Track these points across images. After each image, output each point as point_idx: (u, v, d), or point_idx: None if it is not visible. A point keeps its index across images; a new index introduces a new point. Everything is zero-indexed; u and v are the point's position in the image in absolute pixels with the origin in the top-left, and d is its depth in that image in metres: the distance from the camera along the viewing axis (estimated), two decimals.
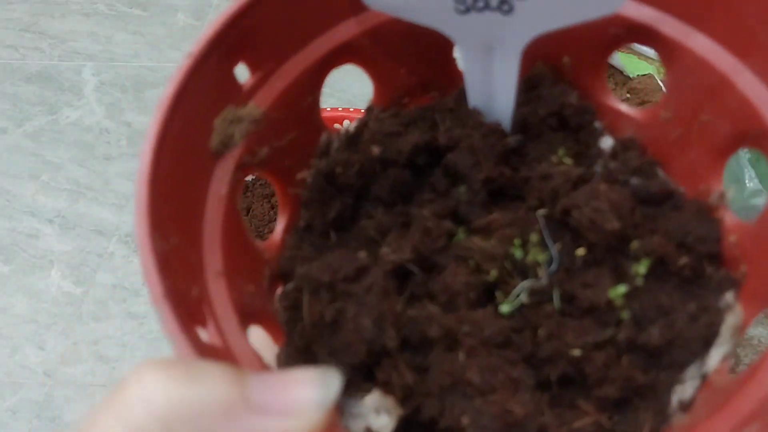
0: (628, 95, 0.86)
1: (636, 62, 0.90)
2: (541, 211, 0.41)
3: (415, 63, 0.45)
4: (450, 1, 0.38)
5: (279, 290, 0.41)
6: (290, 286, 0.39)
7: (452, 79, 0.46)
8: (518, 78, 0.41)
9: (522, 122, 0.44)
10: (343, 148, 0.44)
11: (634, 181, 0.43)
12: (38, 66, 1.13)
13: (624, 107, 0.44)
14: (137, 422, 0.24)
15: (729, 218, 0.40)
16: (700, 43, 0.39)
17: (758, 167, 0.69)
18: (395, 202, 0.43)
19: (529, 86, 0.44)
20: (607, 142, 0.44)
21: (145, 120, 0.94)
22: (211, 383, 0.25)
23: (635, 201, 0.41)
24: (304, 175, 0.42)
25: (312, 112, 0.43)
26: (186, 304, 0.31)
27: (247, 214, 0.92)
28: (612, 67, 0.82)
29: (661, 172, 0.43)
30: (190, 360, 0.28)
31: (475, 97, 0.43)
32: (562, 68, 0.45)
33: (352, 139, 0.44)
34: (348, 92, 1.01)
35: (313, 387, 0.26)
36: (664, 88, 0.68)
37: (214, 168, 0.38)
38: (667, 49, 0.40)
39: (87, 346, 0.72)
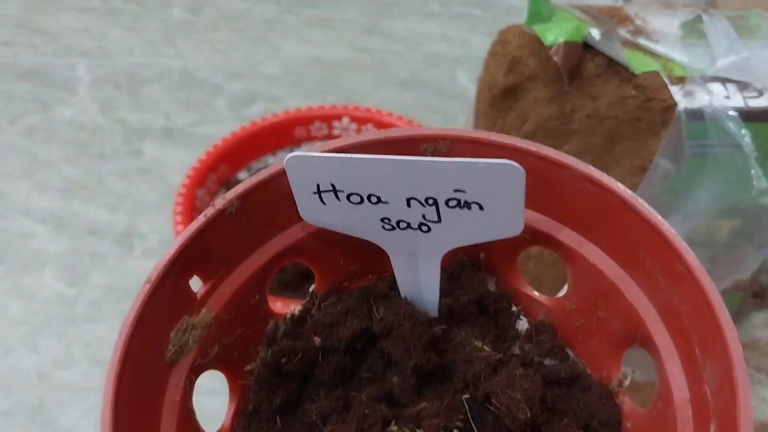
0: (633, 92, 0.77)
1: (641, 58, 0.82)
2: (466, 395, 0.46)
3: (351, 255, 0.50)
4: (378, 223, 0.44)
5: None
6: None
7: (386, 265, 0.52)
8: (439, 274, 0.47)
9: (447, 309, 0.49)
10: (288, 333, 0.49)
11: (548, 361, 0.49)
12: (31, 63, 1.12)
13: (536, 294, 0.50)
14: None
15: (627, 404, 0.45)
16: (593, 252, 0.45)
17: (765, 165, 0.67)
18: (336, 384, 0.48)
19: (451, 277, 0.50)
20: (522, 324, 0.50)
21: (140, 117, 0.95)
22: None
23: (547, 384, 0.46)
24: (252, 366, 0.47)
25: (259, 306, 0.48)
26: None
27: None
28: (616, 64, 0.76)
29: (571, 353, 0.49)
30: None
31: (405, 290, 0.49)
32: (479, 259, 0.51)
33: (297, 324, 0.50)
34: (346, 88, 1.03)
35: None
36: (669, 85, 0.69)
37: (169, 377, 0.42)
38: (566, 255, 0.46)
39: (80, 349, 0.71)
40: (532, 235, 0.47)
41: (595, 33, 0.77)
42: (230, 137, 1.01)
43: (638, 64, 0.81)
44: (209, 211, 0.44)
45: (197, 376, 0.44)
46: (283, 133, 1.06)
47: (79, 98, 1.06)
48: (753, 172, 0.66)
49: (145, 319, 0.40)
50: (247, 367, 0.47)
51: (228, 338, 0.46)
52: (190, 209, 0.78)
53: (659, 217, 0.41)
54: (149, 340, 0.41)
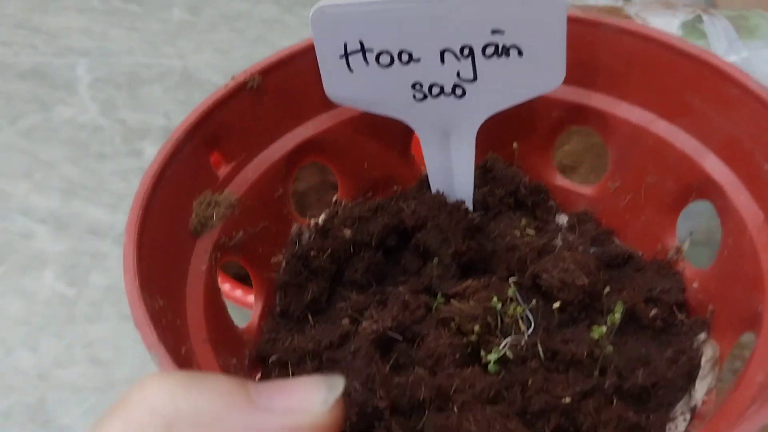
0: None
1: None
2: (513, 278, 0.42)
3: (377, 158, 0.48)
4: (408, 91, 0.42)
5: (258, 376, 0.40)
6: (273, 359, 0.38)
7: (411, 173, 0.49)
8: (474, 158, 0.45)
9: (482, 202, 0.46)
10: (314, 238, 0.46)
11: (593, 249, 0.45)
12: (31, 63, 1.09)
13: (573, 185, 0.48)
14: (140, 423, 0.23)
15: (688, 269, 0.42)
16: (635, 113, 0.43)
17: None
18: (369, 284, 0.44)
19: (484, 171, 0.47)
20: (562, 218, 0.47)
21: (140, 117, 0.92)
22: (214, 388, 0.24)
23: (599, 263, 0.43)
24: (278, 259, 0.43)
25: (283, 203, 0.45)
26: (177, 359, 0.31)
27: None
28: None
29: (617, 240, 0.46)
30: (192, 372, 0.27)
31: (436, 182, 0.46)
32: (512, 155, 0.48)
33: (323, 229, 0.46)
34: None
35: (317, 389, 0.26)
36: None
37: (194, 246, 0.38)
38: (606, 125, 0.44)
39: (81, 349, 0.66)
40: (568, 111, 0.45)
41: None
42: None
43: None
44: (230, 84, 0.41)
45: (222, 257, 0.40)
46: None
47: (79, 98, 1.05)
48: None
49: (167, 175, 0.37)
50: (274, 259, 0.43)
51: (253, 228, 0.42)
52: None
53: (705, 50, 0.40)
54: (172, 197, 0.37)
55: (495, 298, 0.39)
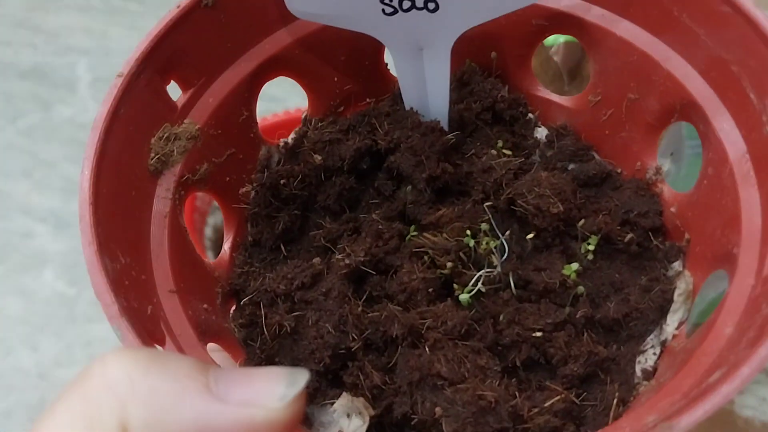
0: None
1: None
2: (487, 203, 0.41)
3: (346, 71, 0.45)
4: (377, 4, 0.39)
5: (233, 309, 0.40)
6: (246, 299, 0.38)
7: (384, 85, 0.47)
8: (449, 75, 0.42)
9: (458, 119, 0.44)
10: (283, 160, 0.44)
11: (572, 166, 0.44)
12: (31, 62, 1.08)
13: (553, 96, 0.46)
14: (96, 400, 0.23)
15: (667, 191, 0.41)
16: (621, 27, 0.40)
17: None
18: (342, 209, 0.43)
19: (460, 84, 0.45)
20: (541, 132, 0.45)
21: None
22: (173, 369, 0.24)
23: (576, 185, 0.42)
24: (247, 189, 0.42)
25: (248, 126, 0.43)
26: (142, 322, 0.30)
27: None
28: None
29: (596, 155, 0.44)
30: (154, 350, 0.27)
31: (410, 99, 0.44)
32: (490, 64, 0.46)
33: (292, 151, 0.44)
34: None
35: (277, 382, 0.25)
36: None
37: (155, 187, 0.37)
38: (590, 36, 0.42)
39: (81, 348, 0.68)
40: (550, 19, 0.42)
41: None
42: None
43: None
44: (183, 2, 0.38)
45: (187, 193, 0.38)
46: (282, 133, 1.03)
47: (79, 97, 1.03)
48: (685, 149, 0.64)
49: (120, 117, 0.35)
50: (243, 189, 0.42)
51: (217, 158, 0.40)
52: (190, 209, 0.76)
53: None
54: (127, 141, 0.35)
55: (468, 233, 0.39)
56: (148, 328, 0.31)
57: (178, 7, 0.38)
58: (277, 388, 0.25)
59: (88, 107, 1.00)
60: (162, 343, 0.32)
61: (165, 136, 0.37)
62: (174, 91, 0.39)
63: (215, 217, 0.81)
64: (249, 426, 0.24)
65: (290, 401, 0.25)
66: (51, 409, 0.23)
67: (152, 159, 0.37)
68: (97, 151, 0.33)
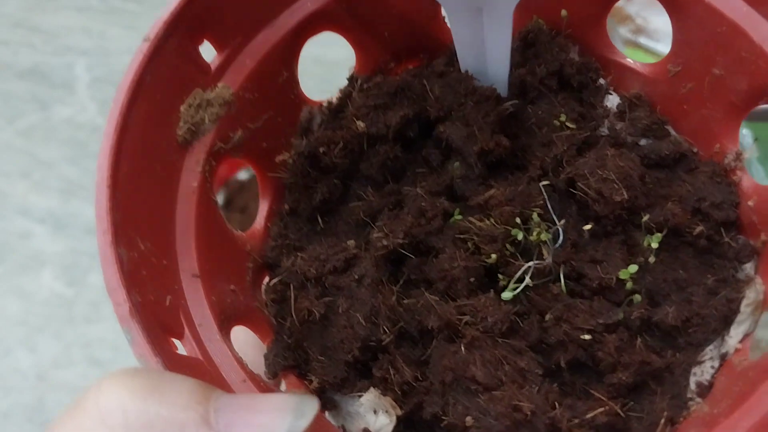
0: None
1: (642, 57, 0.87)
2: (544, 183, 0.37)
3: (398, 25, 0.41)
4: None
5: (266, 281, 0.38)
6: (276, 280, 0.36)
7: (441, 40, 0.43)
8: (511, 38, 0.38)
9: (519, 85, 0.40)
10: (325, 123, 0.41)
11: (644, 141, 0.40)
12: (30, 62, 1.10)
13: (629, 61, 0.41)
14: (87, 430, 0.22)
15: (746, 181, 0.37)
16: None
17: (767, 165, 0.68)
18: (386, 180, 0.40)
19: (525, 44, 0.41)
20: (613, 101, 0.41)
21: None
22: (173, 399, 0.23)
23: (645, 166, 0.38)
24: (285, 157, 0.39)
25: (289, 87, 0.40)
26: (158, 317, 0.29)
27: (242, 213, 0.90)
28: None
29: (672, 131, 0.40)
30: (155, 372, 0.26)
31: (466, 61, 0.40)
32: (560, 22, 0.41)
33: (335, 113, 0.41)
34: None
35: (283, 415, 0.24)
36: None
37: (183, 160, 0.35)
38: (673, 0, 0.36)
39: (79, 349, 0.71)
40: None
41: None
42: None
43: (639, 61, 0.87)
44: None
45: (219, 162, 0.36)
46: None
47: (78, 98, 1.02)
48: (754, 171, 0.67)
49: (146, 86, 0.32)
50: (279, 158, 0.39)
51: (254, 123, 0.38)
52: None
53: None
54: (153, 112, 0.33)
55: (518, 220, 0.35)
56: (164, 322, 0.29)
57: None
58: (283, 421, 0.23)
59: (87, 107, 0.99)
60: (180, 337, 0.30)
61: (196, 103, 0.35)
62: (206, 52, 0.36)
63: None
64: None
65: None
66: None
67: (181, 129, 0.34)
68: (118, 126, 0.31)
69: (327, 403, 0.35)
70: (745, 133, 0.63)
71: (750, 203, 0.36)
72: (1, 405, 0.66)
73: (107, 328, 0.70)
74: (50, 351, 0.71)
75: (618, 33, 0.79)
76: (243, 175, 0.95)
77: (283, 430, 0.23)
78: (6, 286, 0.78)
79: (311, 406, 0.24)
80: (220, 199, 0.82)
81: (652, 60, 0.75)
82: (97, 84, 1.02)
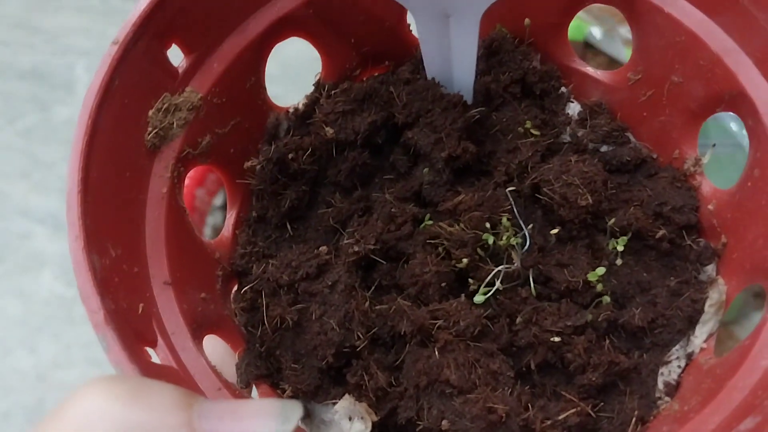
0: None
1: None
2: (510, 188, 0.38)
3: (364, 32, 0.41)
4: None
5: (234, 290, 0.38)
6: (247, 287, 0.36)
7: (406, 47, 0.43)
8: (476, 47, 0.38)
9: (484, 92, 0.41)
10: (293, 129, 0.41)
11: (605, 148, 0.41)
12: (30, 62, 1.07)
13: (590, 69, 0.42)
14: None
15: (706, 185, 0.38)
16: (669, 1, 0.36)
17: None
18: (354, 186, 0.40)
19: (489, 52, 0.41)
20: (574, 108, 0.42)
21: None
22: (155, 405, 0.22)
23: (607, 171, 0.39)
24: (253, 163, 0.39)
25: (256, 93, 0.39)
26: (132, 324, 0.28)
27: None
28: (617, 63, 0.80)
29: (632, 138, 0.41)
30: (137, 379, 0.25)
31: (432, 69, 0.40)
32: (523, 30, 0.42)
33: (303, 119, 0.41)
34: None
35: (267, 420, 0.23)
36: None
37: (152, 165, 0.34)
38: (634, 8, 0.38)
39: (79, 350, 0.69)
40: None
41: (597, 32, 0.82)
42: None
43: None
44: None
45: (187, 168, 0.36)
46: None
47: (78, 98, 1.00)
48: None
49: (114, 90, 0.32)
50: (248, 163, 0.39)
51: (221, 128, 0.37)
52: (190, 209, 0.74)
53: None
54: (122, 117, 0.32)
55: (488, 224, 0.36)
56: (138, 330, 0.29)
57: None
58: (268, 426, 0.23)
59: None
60: (153, 345, 0.30)
61: (164, 107, 0.35)
62: (174, 57, 0.36)
63: (215, 218, 0.79)
64: None
65: None
66: None
67: (149, 134, 0.34)
68: (87, 132, 0.30)
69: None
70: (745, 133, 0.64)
71: (710, 207, 0.37)
72: (1, 405, 0.64)
73: None
74: (50, 351, 0.69)
75: (618, 33, 0.80)
76: None
77: None
78: (6, 287, 0.75)
79: (295, 410, 0.24)
80: (219, 199, 0.81)
81: None
82: None
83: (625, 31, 0.80)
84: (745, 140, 0.66)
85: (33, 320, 0.71)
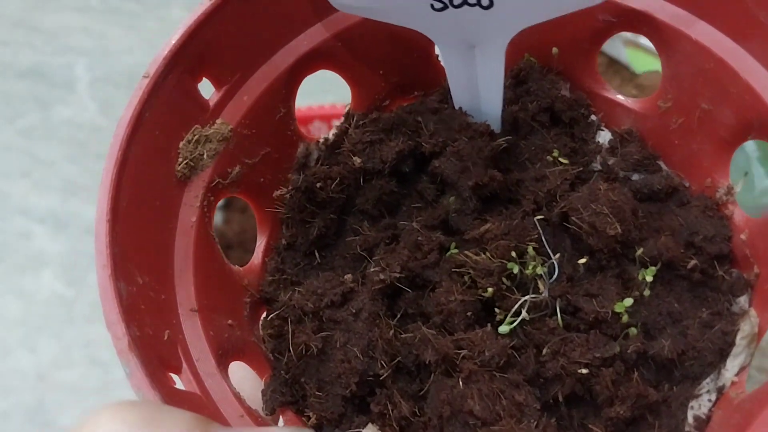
0: (635, 92, 0.84)
1: (643, 58, 0.88)
2: (538, 216, 0.38)
3: (392, 63, 0.42)
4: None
5: (263, 317, 0.38)
6: (273, 314, 0.36)
7: (435, 77, 0.43)
8: (504, 74, 0.39)
9: (512, 121, 0.41)
10: (322, 159, 0.42)
11: (636, 176, 0.40)
12: (30, 62, 1.10)
13: (620, 98, 0.42)
14: None
15: (738, 215, 0.37)
16: (698, 29, 0.36)
17: (767, 165, 0.68)
18: (381, 214, 0.40)
19: (517, 81, 0.42)
20: (604, 136, 0.42)
21: None
22: (171, 431, 0.23)
23: (637, 200, 0.38)
24: (282, 192, 0.39)
25: (286, 124, 0.40)
26: (157, 351, 0.29)
27: (242, 214, 0.89)
28: (618, 63, 0.80)
29: (663, 165, 0.40)
30: (153, 404, 0.25)
31: (459, 98, 0.40)
32: (551, 59, 0.42)
33: (332, 149, 0.42)
34: (346, 88, 0.98)
35: None
36: None
37: (182, 195, 0.35)
38: (662, 37, 0.37)
39: (79, 350, 0.70)
40: (618, 16, 0.38)
41: None
42: None
43: (639, 63, 0.87)
44: None
45: (217, 198, 0.37)
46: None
47: (78, 97, 1.03)
48: (755, 171, 0.67)
49: (145, 122, 0.33)
50: (277, 192, 0.39)
51: (251, 158, 0.38)
52: None
53: None
54: (152, 148, 0.33)
55: (514, 254, 0.36)
56: (163, 356, 0.29)
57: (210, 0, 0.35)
58: None
59: (87, 107, 1.00)
60: (178, 371, 0.30)
61: (195, 138, 0.36)
62: (205, 89, 0.37)
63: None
64: None
65: None
66: None
67: (180, 164, 0.35)
68: (118, 161, 0.31)
69: None
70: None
71: (742, 236, 0.36)
72: (1, 405, 0.65)
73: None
74: (50, 351, 0.70)
75: (619, 34, 0.83)
76: None
77: None
78: (6, 287, 0.77)
79: None
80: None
81: (653, 60, 0.77)
82: (97, 84, 1.02)
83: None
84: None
85: (33, 320, 0.72)
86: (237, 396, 0.31)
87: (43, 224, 0.86)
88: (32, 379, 0.68)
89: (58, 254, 0.81)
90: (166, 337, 0.30)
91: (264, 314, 0.38)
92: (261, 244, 0.40)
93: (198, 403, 0.30)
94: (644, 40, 0.79)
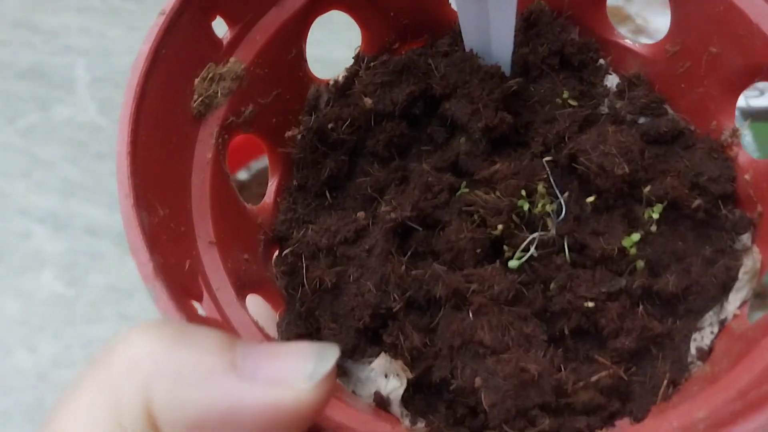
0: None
1: None
2: (547, 158, 0.39)
3: (403, 5, 0.42)
4: None
5: (275, 254, 0.39)
6: (287, 251, 0.37)
7: (445, 20, 0.44)
8: (515, 17, 0.39)
9: (522, 63, 0.41)
10: (333, 101, 0.42)
11: (642, 119, 0.41)
12: (30, 62, 1.09)
13: (628, 42, 0.42)
14: (119, 379, 0.23)
15: (742, 156, 0.38)
16: None
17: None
18: (392, 156, 0.41)
19: (527, 24, 0.42)
20: (612, 80, 0.42)
21: None
22: (200, 345, 0.24)
23: (644, 142, 0.39)
24: (294, 132, 0.40)
25: (297, 65, 0.40)
26: (179, 279, 0.30)
27: None
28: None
29: (669, 110, 0.41)
30: (183, 323, 0.26)
31: (470, 40, 0.41)
32: (562, 3, 0.42)
33: (342, 91, 0.42)
34: None
35: (306, 359, 0.24)
36: None
37: (198, 132, 0.35)
38: None
39: (79, 349, 0.71)
40: None
41: None
42: None
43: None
44: None
45: (231, 136, 0.37)
46: None
47: (78, 97, 1.02)
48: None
49: (161, 58, 0.33)
50: (288, 133, 0.40)
51: (263, 98, 0.39)
52: None
53: None
54: (169, 83, 0.33)
55: (523, 192, 0.37)
56: (185, 285, 0.30)
57: None
58: (306, 365, 0.24)
59: (87, 107, 0.99)
60: (199, 299, 0.31)
61: (209, 76, 0.36)
62: (218, 28, 0.37)
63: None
64: (275, 409, 0.23)
65: (319, 381, 0.24)
66: (74, 388, 0.23)
67: (195, 101, 0.35)
68: (137, 95, 0.31)
69: (338, 370, 0.36)
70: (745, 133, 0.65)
71: (746, 177, 0.37)
72: (1, 405, 0.65)
73: (107, 328, 0.70)
74: (50, 351, 0.71)
75: (618, 33, 0.83)
76: (243, 175, 0.96)
77: (306, 372, 0.24)
78: (6, 286, 0.77)
79: (332, 351, 0.25)
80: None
81: None
82: (97, 84, 1.02)
83: (625, 31, 0.79)
84: (745, 139, 0.67)
85: (33, 320, 0.73)
86: (256, 323, 0.32)
87: (42, 224, 0.86)
88: (32, 378, 0.68)
89: (58, 254, 0.81)
90: (187, 267, 0.31)
91: (276, 252, 0.39)
92: (273, 184, 0.40)
93: (220, 329, 0.30)
94: (644, 40, 0.82)
